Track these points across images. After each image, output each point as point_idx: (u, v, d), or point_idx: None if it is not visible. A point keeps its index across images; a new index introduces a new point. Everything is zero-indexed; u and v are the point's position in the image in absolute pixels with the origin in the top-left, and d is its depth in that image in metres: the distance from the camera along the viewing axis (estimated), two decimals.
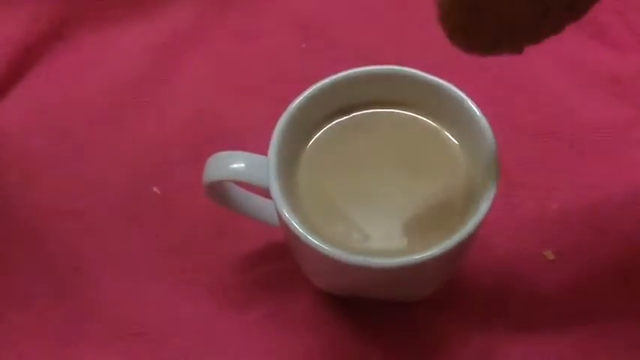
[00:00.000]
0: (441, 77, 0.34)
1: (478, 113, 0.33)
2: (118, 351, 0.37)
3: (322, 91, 0.34)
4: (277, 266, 0.39)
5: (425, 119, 0.35)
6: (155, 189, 0.42)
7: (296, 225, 0.31)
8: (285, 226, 0.32)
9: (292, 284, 0.38)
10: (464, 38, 0.24)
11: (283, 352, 0.37)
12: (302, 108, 0.34)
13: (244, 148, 0.34)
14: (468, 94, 0.33)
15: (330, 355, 0.37)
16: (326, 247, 0.30)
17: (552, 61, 0.45)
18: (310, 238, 0.31)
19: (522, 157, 0.42)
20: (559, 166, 0.42)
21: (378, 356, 0.37)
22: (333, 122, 0.35)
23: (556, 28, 0.25)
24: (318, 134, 0.35)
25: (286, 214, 0.31)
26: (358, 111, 0.36)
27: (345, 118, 0.35)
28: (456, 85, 0.34)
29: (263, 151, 0.33)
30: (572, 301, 0.38)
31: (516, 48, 0.25)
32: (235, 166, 0.33)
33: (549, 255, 0.39)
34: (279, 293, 0.38)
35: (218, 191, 0.35)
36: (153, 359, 0.37)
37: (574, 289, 0.38)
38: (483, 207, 0.31)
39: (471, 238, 0.31)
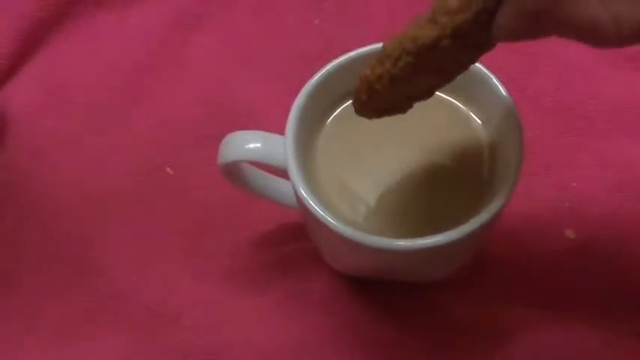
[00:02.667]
0: None
1: (504, 92, 0.32)
2: (130, 331, 0.37)
3: (341, 68, 0.33)
4: (293, 248, 0.39)
5: (447, 97, 0.34)
6: (168, 169, 0.42)
7: (314, 206, 0.30)
8: (303, 207, 0.31)
9: (309, 266, 0.38)
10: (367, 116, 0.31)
11: (299, 334, 0.36)
12: (320, 85, 0.33)
13: (259, 128, 0.33)
14: (492, 72, 0.33)
15: (348, 336, 0.36)
16: (345, 229, 0.30)
17: None
18: (329, 219, 0.30)
19: (544, 135, 0.41)
20: (581, 143, 0.41)
21: (396, 338, 0.36)
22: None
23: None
24: (337, 112, 0.34)
25: (304, 195, 0.31)
26: None
27: None
28: (481, 62, 0.33)
29: (278, 130, 0.32)
30: (593, 280, 0.37)
31: (402, 111, 0.31)
32: (251, 146, 0.32)
33: (570, 234, 0.39)
34: (295, 275, 0.38)
35: (233, 172, 0.35)
36: (166, 340, 0.37)
37: (595, 268, 0.38)
38: (506, 189, 0.30)
39: (493, 219, 0.30)
